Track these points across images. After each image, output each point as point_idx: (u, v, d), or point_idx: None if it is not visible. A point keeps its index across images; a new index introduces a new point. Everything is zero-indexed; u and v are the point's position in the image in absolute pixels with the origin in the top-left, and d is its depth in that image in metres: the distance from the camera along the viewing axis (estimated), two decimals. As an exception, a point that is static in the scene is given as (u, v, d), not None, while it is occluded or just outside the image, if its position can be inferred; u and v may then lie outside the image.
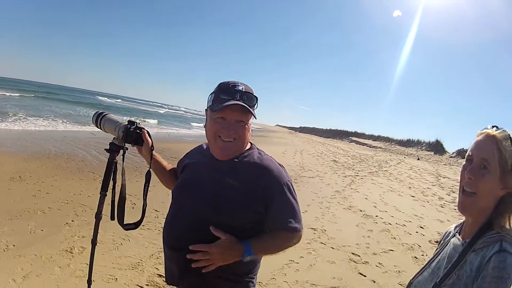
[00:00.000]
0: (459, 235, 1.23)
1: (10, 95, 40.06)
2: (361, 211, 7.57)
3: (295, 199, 1.60)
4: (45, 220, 5.01)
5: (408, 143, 43.05)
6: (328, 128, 76.25)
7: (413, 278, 1.34)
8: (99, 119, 1.98)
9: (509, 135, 1.09)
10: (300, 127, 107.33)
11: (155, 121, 35.39)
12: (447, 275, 1.12)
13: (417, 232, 6.50)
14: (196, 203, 1.56)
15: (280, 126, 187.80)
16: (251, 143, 1.70)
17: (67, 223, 4.97)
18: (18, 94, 42.67)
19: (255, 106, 1.57)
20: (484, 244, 1.06)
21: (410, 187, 11.95)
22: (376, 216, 7.29)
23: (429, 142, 39.48)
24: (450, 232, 1.33)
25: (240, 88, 1.52)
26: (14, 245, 4.12)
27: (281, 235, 1.57)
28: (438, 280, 1.14)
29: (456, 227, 1.31)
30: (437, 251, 1.32)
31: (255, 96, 1.56)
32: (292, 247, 1.62)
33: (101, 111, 2.03)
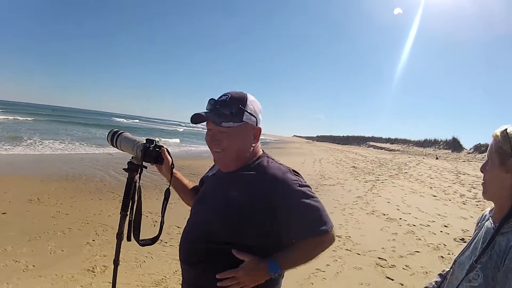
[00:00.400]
0: (491, 218, 1.35)
1: (24, 119, 40.26)
2: (384, 214, 7.39)
3: (314, 200, 1.44)
4: (65, 240, 4.96)
5: (425, 143, 42.41)
6: (345, 135, 75.95)
7: (457, 257, 1.45)
8: (114, 138, 1.91)
9: (505, 129, 1.23)
10: (317, 136, 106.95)
11: (177, 140, 35.02)
12: (481, 254, 1.23)
13: (441, 231, 6.29)
14: (203, 215, 1.51)
15: (297, 136, 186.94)
16: (263, 151, 1.59)
17: (88, 242, 4.92)
18: (32, 118, 43.13)
19: (236, 112, 1.43)
20: (509, 229, 1.19)
21: (431, 187, 11.65)
22: (400, 218, 7.10)
23: (446, 140, 38.86)
24: (485, 215, 1.44)
25: (223, 98, 1.46)
26: (34, 266, 4.07)
27: (307, 243, 1.44)
28: (474, 259, 1.26)
29: (490, 210, 1.42)
30: (475, 232, 1.45)
31: (235, 102, 1.44)
32: (317, 256, 1.49)
33: (116, 130, 1.95)
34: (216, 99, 1.47)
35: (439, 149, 37.56)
